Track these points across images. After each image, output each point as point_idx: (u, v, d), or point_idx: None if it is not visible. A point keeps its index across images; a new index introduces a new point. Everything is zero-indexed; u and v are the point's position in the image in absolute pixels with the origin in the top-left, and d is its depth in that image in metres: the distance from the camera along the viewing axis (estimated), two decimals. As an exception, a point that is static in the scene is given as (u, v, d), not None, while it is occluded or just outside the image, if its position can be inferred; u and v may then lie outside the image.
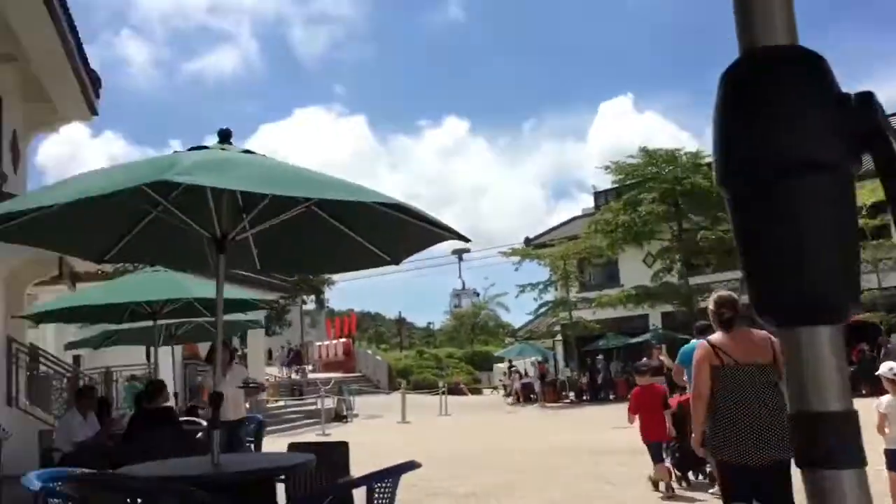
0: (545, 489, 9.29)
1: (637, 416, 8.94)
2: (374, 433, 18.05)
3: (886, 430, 6.19)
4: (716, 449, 4.70)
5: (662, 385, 10.26)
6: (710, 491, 7.79)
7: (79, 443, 7.76)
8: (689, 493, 8.44)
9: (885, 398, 6.33)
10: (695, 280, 28.90)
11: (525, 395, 31.98)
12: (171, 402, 12.70)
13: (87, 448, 7.45)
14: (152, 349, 10.74)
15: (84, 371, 16.19)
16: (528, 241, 38.47)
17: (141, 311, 9.33)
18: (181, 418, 9.28)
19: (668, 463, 8.70)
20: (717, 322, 4.91)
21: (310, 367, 40.05)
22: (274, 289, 23.46)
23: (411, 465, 4.47)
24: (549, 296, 33.74)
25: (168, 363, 13.84)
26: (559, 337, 35.77)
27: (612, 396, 29.17)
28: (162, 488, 3.71)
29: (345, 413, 24.80)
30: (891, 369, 6.41)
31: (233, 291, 8.11)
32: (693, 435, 5.03)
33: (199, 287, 8.19)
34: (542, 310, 34.95)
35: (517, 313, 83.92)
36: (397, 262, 5.25)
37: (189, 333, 11.87)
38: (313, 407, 24.79)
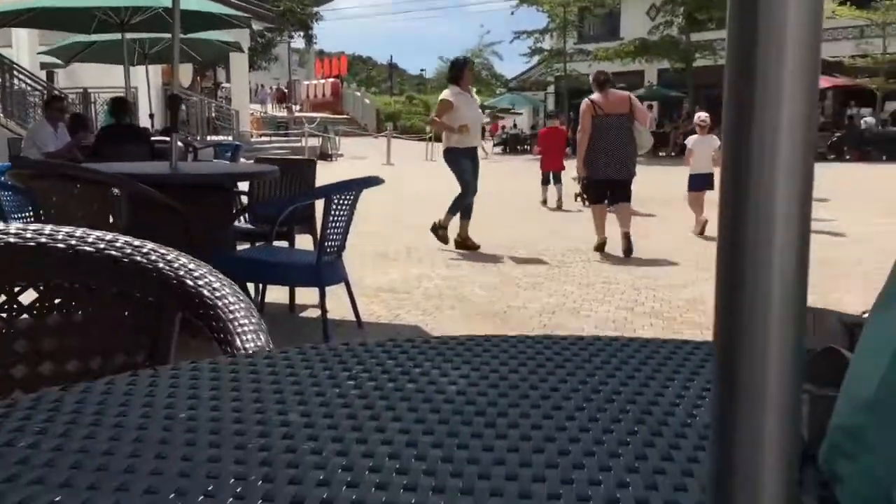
0: (512, 224, 9.50)
1: (542, 152, 12.61)
2: (357, 172, 18.05)
3: (692, 161, 9.15)
4: (589, 169, 7.50)
5: (564, 128, 14.07)
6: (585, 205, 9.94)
7: (47, 153, 7.64)
8: (574, 208, 11.67)
9: (693, 137, 9.35)
10: (696, 37, 27.90)
11: (512, 147, 32.00)
12: (147, 124, 12.55)
13: (54, 158, 7.33)
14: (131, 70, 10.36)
15: (61, 89, 15.81)
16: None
17: (109, 22, 8.83)
18: (154, 138, 9.11)
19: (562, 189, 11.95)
20: (595, 85, 7.52)
21: (297, 107, 39.57)
22: (258, 18, 22.40)
23: (374, 180, 4.36)
24: (546, 45, 32.69)
25: (144, 85, 13.44)
26: (551, 89, 35.17)
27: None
28: (112, 180, 3.60)
29: (330, 152, 24.81)
30: (701, 118, 9.32)
31: (197, 1, 7.58)
32: (583, 159, 7.51)
33: (167, -5, 7.65)
34: (537, 58, 34.02)
35: (511, 64, 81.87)
36: None
37: (163, 53, 11.39)
38: (298, 144, 24.75)
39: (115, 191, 4.06)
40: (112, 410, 0.67)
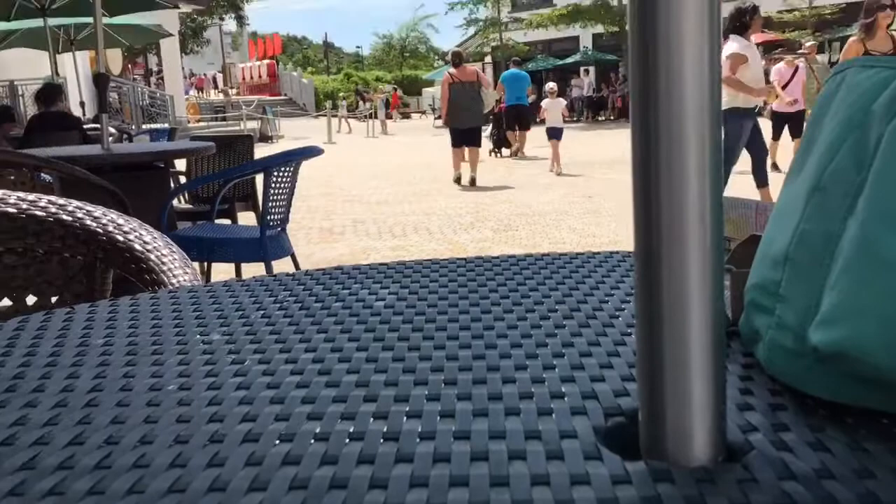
0: (452, 195, 9.51)
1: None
2: (298, 151, 17.88)
3: (547, 117, 12.51)
4: (451, 121, 10.39)
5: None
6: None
7: (-27, 145, 7.36)
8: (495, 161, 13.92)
9: (546, 100, 12.96)
10: (629, -1, 28.12)
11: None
12: (79, 113, 12.17)
13: (-19, 150, 7.06)
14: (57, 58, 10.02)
15: (-16, 84, 15.25)
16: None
17: (29, 7, 8.51)
18: (86, 126, 8.85)
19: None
20: (452, 62, 10.60)
21: (234, 90, 38.84)
22: (187, 0, 21.87)
23: (313, 150, 4.29)
24: (481, 15, 32.59)
25: (73, 74, 13.02)
26: (489, 59, 35.11)
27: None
28: (41, 163, 3.48)
29: (270, 134, 24.44)
30: (550, 87, 13.13)
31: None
32: (444, 114, 10.61)
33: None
34: (472, 29, 33.92)
35: (448, 37, 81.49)
36: None
37: (89, 39, 11.03)
38: (236, 128, 24.33)
39: (45, 177, 3.93)
40: (24, 342, 0.64)
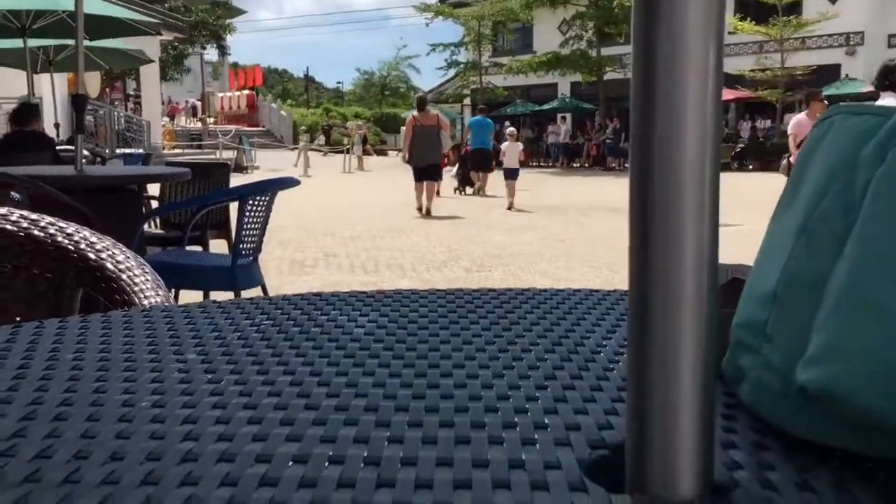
0: (429, 232, 9.52)
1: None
2: (273, 183, 17.82)
3: (504, 159, 13.86)
4: (413, 160, 11.94)
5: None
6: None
7: (-57, 161, 7.25)
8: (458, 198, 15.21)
9: (505, 143, 14.48)
10: (607, 51, 28.60)
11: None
12: (53, 134, 12.06)
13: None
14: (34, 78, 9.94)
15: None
16: (443, -1, 36.92)
17: (9, 27, 8.45)
18: (60, 147, 8.76)
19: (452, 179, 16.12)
20: (417, 105, 12.38)
21: (211, 119, 38.79)
22: (169, 28, 21.94)
23: (289, 181, 4.28)
24: (461, 58, 33.00)
25: (49, 95, 12.92)
26: (468, 101, 35.47)
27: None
28: (11, 179, 3.43)
29: (245, 164, 24.37)
30: (510, 131, 14.97)
31: (102, 5, 7.32)
32: (408, 153, 12.24)
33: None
34: (453, 71, 34.30)
35: (428, 78, 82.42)
36: None
37: (69, 61, 10.97)
38: (212, 157, 24.24)
39: (15, 195, 3.88)
40: (-9, 355, 0.62)
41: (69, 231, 1.18)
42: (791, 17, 24.30)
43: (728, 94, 25.04)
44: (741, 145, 25.87)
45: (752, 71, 25.21)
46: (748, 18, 24.69)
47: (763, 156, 24.30)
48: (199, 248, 4.92)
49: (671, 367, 0.37)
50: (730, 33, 23.69)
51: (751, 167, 24.66)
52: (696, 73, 0.36)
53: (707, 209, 0.37)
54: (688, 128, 0.36)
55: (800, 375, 0.43)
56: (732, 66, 24.80)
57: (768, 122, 26.87)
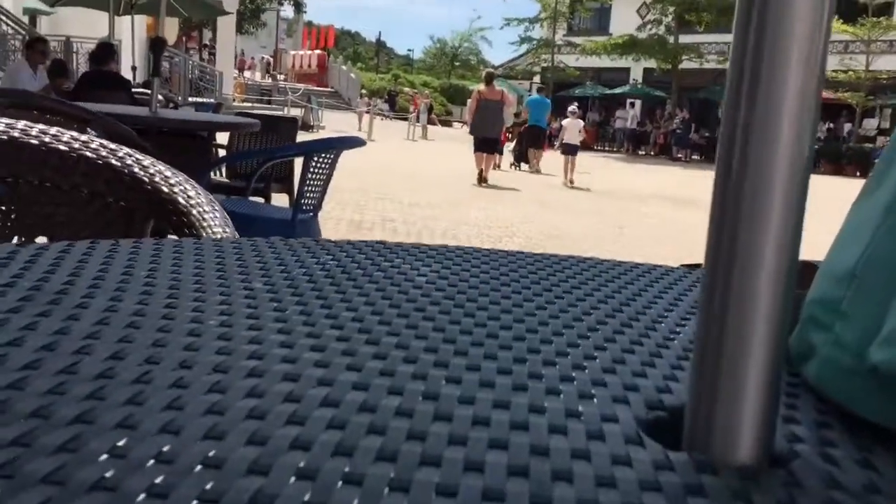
0: (486, 207, 9.51)
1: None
2: (337, 144, 17.96)
3: (565, 135, 14.55)
4: (475, 131, 13.00)
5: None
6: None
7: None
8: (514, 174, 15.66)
9: (566, 120, 14.85)
10: (684, 38, 27.99)
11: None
12: (129, 77, 12.33)
13: (31, 99, 7.17)
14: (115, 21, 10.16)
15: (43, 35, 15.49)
16: (522, -27, 36.49)
17: (95, -32, 8.66)
18: (135, 90, 8.95)
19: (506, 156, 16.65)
20: (484, 80, 13.40)
21: (282, 77, 39.18)
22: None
23: (356, 140, 4.31)
24: (535, 34, 32.64)
25: (129, 38, 13.19)
26: (537, 79, 35.13)
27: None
28: (88, 115, 3.53)
29: (312, 123, 24.61)
30: (571, 109, 14.81)
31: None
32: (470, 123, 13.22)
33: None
34: (525, 48, 33.97)
35: (500, 52, 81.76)
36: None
37: (150, 5, 11.18)
38: (280, 113, 24.53)
39: (92, 132, 3.99)
40: (59, 276, 0.64)
41: (145, 163, 1.21)
42: (881, 18, 23.41)
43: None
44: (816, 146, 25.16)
45: (835, 71, 24.42)
46: (836, 16, 23.88)
47: (837, 159, 23.61)
48: (261, 200, 5.00)
49: (745, 331, 0.37)
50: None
51: (822, 170, 23.99)
52: (800, 67, 0.35)
53: (794, 200, 0.36)
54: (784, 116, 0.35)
55: (873, 355, 0.43)
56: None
57: (848, 126, 26.03)
